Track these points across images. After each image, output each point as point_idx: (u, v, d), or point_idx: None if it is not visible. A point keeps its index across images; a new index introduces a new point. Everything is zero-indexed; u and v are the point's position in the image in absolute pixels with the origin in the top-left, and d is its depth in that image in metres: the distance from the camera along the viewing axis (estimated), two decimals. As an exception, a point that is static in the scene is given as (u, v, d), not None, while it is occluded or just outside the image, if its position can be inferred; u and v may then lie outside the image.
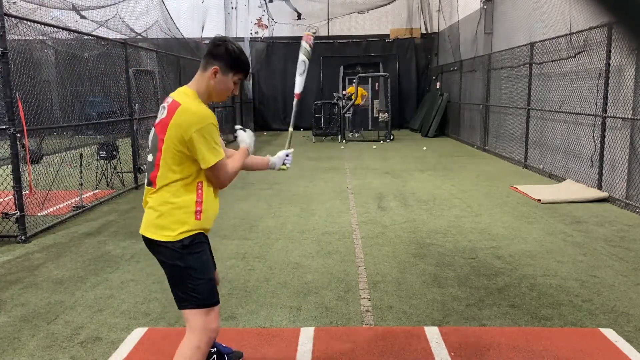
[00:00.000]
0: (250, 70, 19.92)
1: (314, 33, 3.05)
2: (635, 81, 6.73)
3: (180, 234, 2.35)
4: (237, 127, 2.81)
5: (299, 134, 18.20)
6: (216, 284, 2.78)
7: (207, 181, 2.43)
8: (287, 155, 2.94)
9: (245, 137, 2.71)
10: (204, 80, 2.43)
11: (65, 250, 5.33)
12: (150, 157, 2.43)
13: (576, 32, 8.16)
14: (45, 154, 9.13)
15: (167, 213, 2.36)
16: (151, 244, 2.42)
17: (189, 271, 2.37)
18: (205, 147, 2.30)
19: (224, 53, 2.42)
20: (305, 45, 3.09)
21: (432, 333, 3.43)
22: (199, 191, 2.40)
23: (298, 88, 3.09)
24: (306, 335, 3.42)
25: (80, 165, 7.31)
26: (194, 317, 2.39)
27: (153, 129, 2.44)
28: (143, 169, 8.98)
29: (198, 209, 2.39)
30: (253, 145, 2.75)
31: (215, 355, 2.90)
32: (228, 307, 3.86)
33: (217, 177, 2.40)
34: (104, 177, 8.51)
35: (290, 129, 3.11)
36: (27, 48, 6.89)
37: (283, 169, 2.95)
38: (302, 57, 3.08)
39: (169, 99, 2.43)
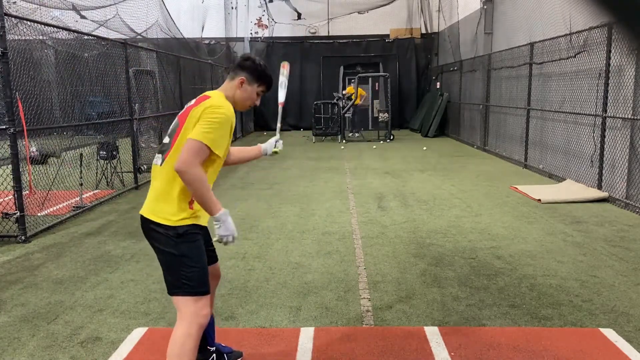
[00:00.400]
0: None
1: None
2: (635, 81, 6.73)
3: (178, 221, 2.44)
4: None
5: (299, 134, 18.21)
6: (217, 276, 2.88)
7: (208, 173, 2.50)
8: (276, 141, 3.09)
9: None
10: (231, 88, 2.65)
11: (65, 250, 5.33)
12: (166, 140, 2.57)
13: (576, 32, 8.16)
14: (46, 154, 9.14)
15: (170, 198, 2.45)
16: (148, 228, 2.50)
17: (183, 259, 2.45)
18: (204, 124, 2.40)
19: (251, 65, 2.65)
20: (283, 71, 3.32)
21: (432, 333, 3.43)
22: None
23: (281, 98, 3.28)
24: (306, 335, 3.42)
25: (80, 165, 7.31)
26: (185, 304, 2.48)
27: (176, 118, 2.59)
28: (143, 169, 8.98)
29: (192, 198, 2.48)
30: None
31: (214, 355, 2.91)
32: (228, 307, 3.86)
33: (185, 152, 2.35)
34: (104, 177, 8.51)
35: (278, 124, 3.22)
36: (27, 48, 6.89)
37: (276, 152, 3.08)
38: (281, 79, 3.32)
39: (204, 95, 2.62)
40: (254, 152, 3.05)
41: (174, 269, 2.47)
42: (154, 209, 2.47)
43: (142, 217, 2.52)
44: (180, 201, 2.45)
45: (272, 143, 3.07)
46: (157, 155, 2.58)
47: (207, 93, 2.60)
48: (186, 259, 2.45)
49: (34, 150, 8.53)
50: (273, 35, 19.97)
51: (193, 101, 2.58)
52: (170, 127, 2.61)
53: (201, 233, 2.57)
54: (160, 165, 2.52)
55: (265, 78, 2.69)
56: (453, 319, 3.65)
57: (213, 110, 2.43)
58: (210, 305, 2.74)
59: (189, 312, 2.47)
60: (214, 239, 2.56)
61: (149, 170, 8.99)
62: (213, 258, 2.80)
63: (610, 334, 3.39)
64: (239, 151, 3.01)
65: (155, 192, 2.50)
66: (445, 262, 4.82)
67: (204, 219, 2.58)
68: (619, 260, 4.82)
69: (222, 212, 2.46)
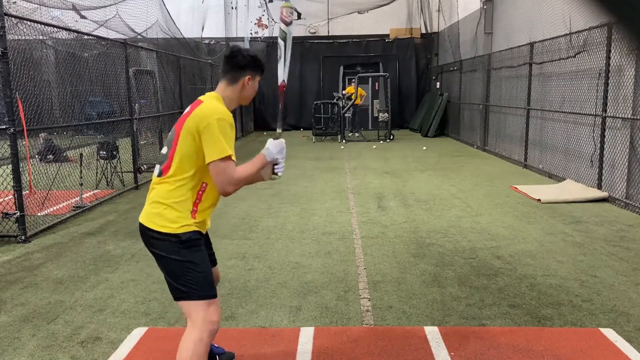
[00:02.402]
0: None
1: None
2: (635, 81, 6.73)
3: (180, 227, 2.40)
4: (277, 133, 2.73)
5: (299, 134, 18.21)
6: (217, 279, 2.81)
7: (211, 184, 2.47)
8: (275, 165, 2.65)
9: (271, 145, 2.61)
10: (234, 90, 2.54)
11: (65, 250, 5.33)
12: (164, 150, 2.51)
13: (576, 32, 8.16)
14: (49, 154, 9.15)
15: (169, 208, 2.41)
16: (147, 236, 2.45)
17: (188, 264, 2.41)
18: (212, 140, 2.34)
19: (250, 61, 2.53)
20: (280, 26, 2.77)
21: (432, 333, 3.43)
22: (200, 192, 2.46)
23: (280, 76, 2.77)
24: (306, 335, 3.42)
25: (80, 165, 7.31)
26: (196, 310, 2.41)
27: (173, 128, 2.52)
28: (143, 169, 8.99)
29: (194, 208, 2.45)
30: (277, 157, 2.62)
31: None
32: (228, 307, 3.86)
33: (217, 176, 2.36)
34: (104, 177, 8.51)
35: (279, 130, 2.79)
36: (27, 48, 6.89)
37: (274, 179, 2.71)
38: (278, 41, 2.78)
39: (197, 100, 2.54)
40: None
41: (179, 274, 2.41)
42: (153, 218, 2.42)
43: (141, 225, 2.47)
44: (181, 211, 2.41)
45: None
46: (157, 165, 2.53)
47: (202, 97, 2.52)
48: (191, 264, 2.41)
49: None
50: (273, 35, 19.97)
51: (189, 107, 2.52)
52: (168, 135, 2.54)
53: (202, 239, 2.54)
54: (158, 176, 2.46)
55: (262, 65, 2.60)
56: (453, 319, 3.65)
57: (211, 123, 2.34)
58: None
59: (200, 318, 2.40)
60: (278, 174, 2.65)
61: (149, 170, 8.99)
62: (213, 262, 2.76)
63: (610, 334, 3.39)
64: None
65: (153, 201, 2.44)
66: (445, 262, 4.82)
67: (204, 227, 2.55)
68: (619, 260, 4.82)
69: (266, 154, 2.57)
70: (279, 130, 2.72)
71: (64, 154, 8.86)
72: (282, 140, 2.64)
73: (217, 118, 2.36)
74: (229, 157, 2.36)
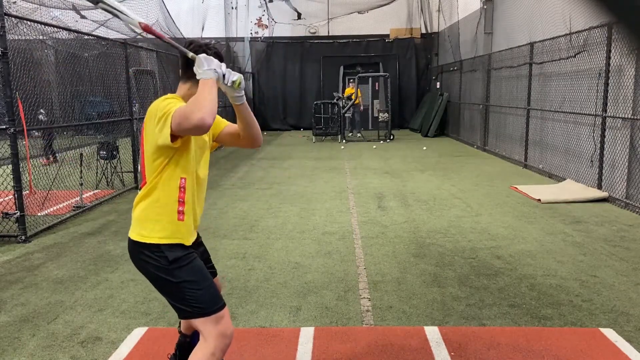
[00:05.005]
0: (251, 70, 19.93)
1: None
2: (635, 81, 6.73)
3: (162, 238, 2.26)
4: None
5: (299, 134, 18.20)
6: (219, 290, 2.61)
7: (191, 179, 2.31)
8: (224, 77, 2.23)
9: (197, 66, 2.19)
10: (193, 87, 2.33)
11: (65, 250, 5.33)
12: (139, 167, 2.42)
13: (576, 32, 8.17)
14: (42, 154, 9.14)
15: (148, 209, 2.27)
16: (137, 255, 2.31)
17: (184, 284, 2.26)
18: (160, 114, 2.15)
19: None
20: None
21: (432, 333, 3.43)
22: (182, 189, 2.29)
23: (134, 18, 2.59)
24: (306, 335, 3.42)
25: (81, 165, 7.32)
26: (205, 326, 2.27)
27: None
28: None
29: (180, 208, 2.28)
30: (214, 68, 2.18)
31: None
32: (228, 307, 3.85)
33: (182, 121, 2.07)
34: (104, 177, 8.51)
35: (190, 54, 2.29)
36: (27, 48, 6.89)
37: (240, 92, 2.28)
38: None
39: None
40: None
41: (178, 297, 2.27)
42: (139, 230, 2.29)
43: (129, 240, 2.33)
44: (165, 215, 2.26)
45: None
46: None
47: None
48: (187, 283, 2.25)
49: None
50: (273, 35, 19.97)
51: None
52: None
53: (195, 252, 2.38)
54: (139, 191, 2.35)
55: (220, 56, 2.34)
56: (453, 319, 3.65)
57: (156, 105, 2.23)
58: None
59: (212, 334, 2.25)
60: (234, 79, 2.20)
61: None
62: (212, 274, 2.58)
63: (610, 333, 3.39)
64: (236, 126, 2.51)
65: (135, 210, 2.33)
66: (445, 262, 4.82)
67: (192, 231, 2.39)
68: (619, 260, 4.82)
69: (201, 74, 2.15)
70: (190, 54, 2.25)
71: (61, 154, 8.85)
72: (201, 55, 2.20)
73: (161, 100, 2.21)
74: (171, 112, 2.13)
